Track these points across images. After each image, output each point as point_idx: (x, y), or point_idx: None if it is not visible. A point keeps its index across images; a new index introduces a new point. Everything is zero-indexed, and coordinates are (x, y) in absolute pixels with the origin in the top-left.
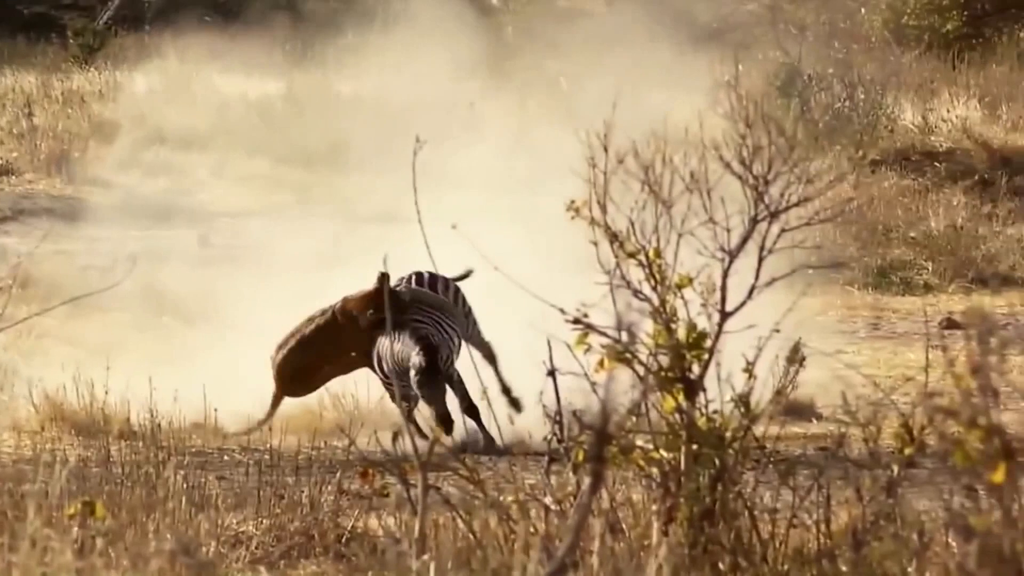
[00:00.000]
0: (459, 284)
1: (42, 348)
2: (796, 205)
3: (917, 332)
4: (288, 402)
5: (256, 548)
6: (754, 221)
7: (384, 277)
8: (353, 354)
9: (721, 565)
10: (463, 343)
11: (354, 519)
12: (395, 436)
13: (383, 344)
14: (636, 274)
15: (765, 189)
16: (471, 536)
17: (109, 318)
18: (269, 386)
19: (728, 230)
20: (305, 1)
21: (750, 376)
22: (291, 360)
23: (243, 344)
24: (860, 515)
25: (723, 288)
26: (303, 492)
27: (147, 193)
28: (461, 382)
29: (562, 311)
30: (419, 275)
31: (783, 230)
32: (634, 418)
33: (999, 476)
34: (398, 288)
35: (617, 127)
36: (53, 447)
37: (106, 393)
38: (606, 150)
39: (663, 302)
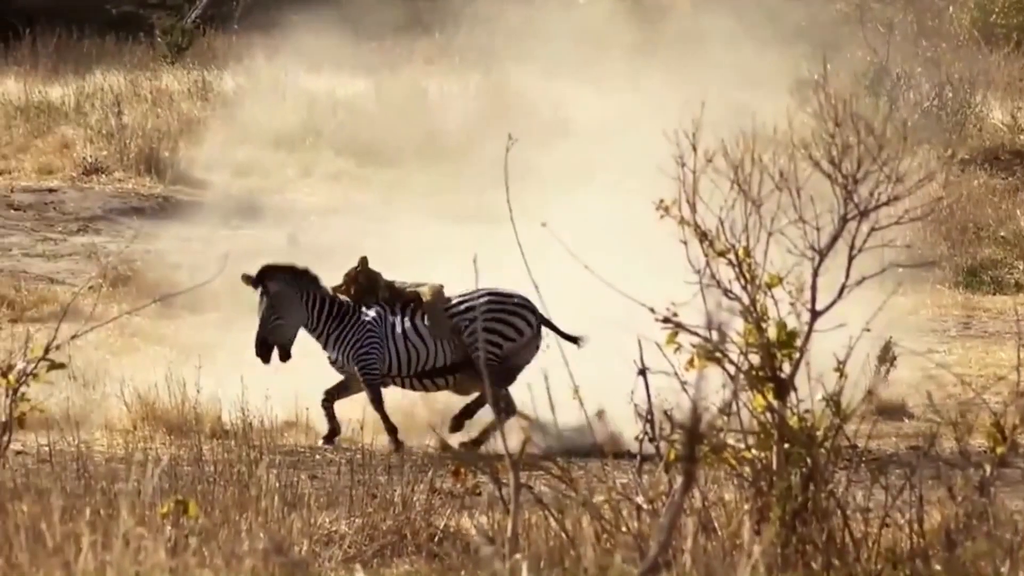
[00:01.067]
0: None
1: (133, 347)
2: (885, 204)
3: (1008, 331)
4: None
5: (349, 547)
6: (844, 220)
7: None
8: None
9: (814, 564)
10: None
11: (446, 518)
12: (486, 435)
13: None
14: (726, 273)
15: (854, 188)
16: (563, 535)
17: (200, 317)
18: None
19: (818, 229)
20: (395, 1)
21: (841, 375)
22: None
23: None
24: (953, 514)
25: (813, 287)
26: (395, 491)
27: (236, 192)
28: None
29: (652, 310)
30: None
31: (873, 229)
32: (725, 417)
33: None
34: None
35: (705, 126)
36: (145, 446)
37: (198, 392)
38: (695, 149)
39: (753, 301)
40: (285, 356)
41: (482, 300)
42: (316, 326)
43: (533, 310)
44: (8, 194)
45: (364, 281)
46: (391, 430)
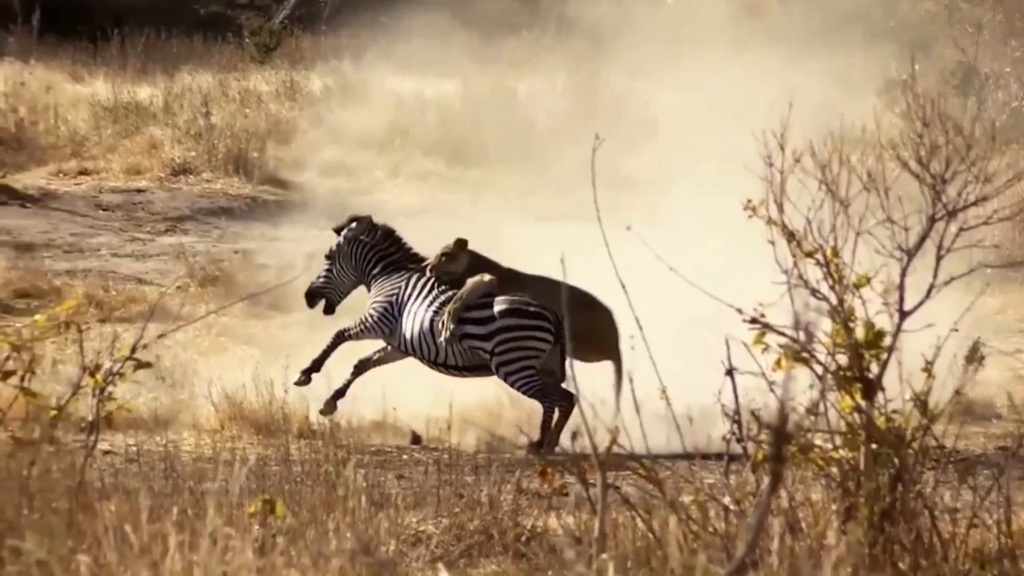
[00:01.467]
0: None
1: (221, 347)
2: (974, 204)
3: None
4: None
5: (436, 547)
6: (932, 220)
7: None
8: None
9: (901, 565)
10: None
11: (533, 518)
12: (574, 435)
13: None
14: (814, 273)
15: (943, 188)
16: (650, 536)
17: (287, 317)
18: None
19: (906, 229)
20: (482, 1)
21: (929, 375)
22: None
23: None
24: None
25: (901, 287)
26: (482, 491)
27: (324, 192)
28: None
29: (739, 311)
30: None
31: (961, 229)
32: (813, 417)
33: None
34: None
35: (793, 126)
36: (233, 446)
37: (285, 392)
38: (782, 149)
39: (841, 301)
40: (327, 310)
41: (499, 325)
42: (368, 287)
43: (551, 317)
44: (97, 194)
45: (450, 260)
46: (312, 369)
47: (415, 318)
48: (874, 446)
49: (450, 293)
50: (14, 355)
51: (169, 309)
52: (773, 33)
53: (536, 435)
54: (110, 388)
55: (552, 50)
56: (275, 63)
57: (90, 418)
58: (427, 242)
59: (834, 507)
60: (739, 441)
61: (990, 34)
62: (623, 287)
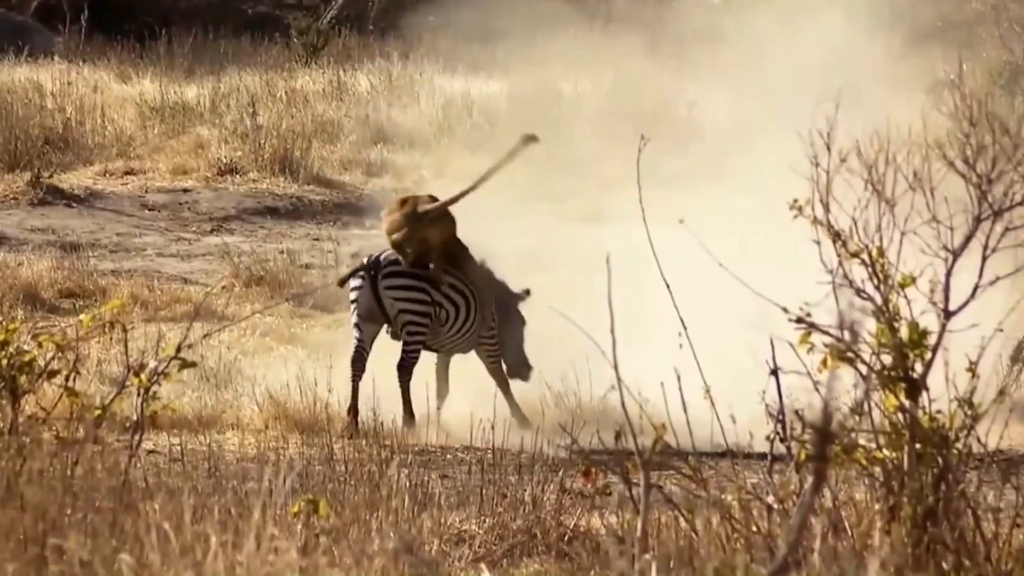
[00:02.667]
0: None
1: (265, 347)
2: (1020, 204)
3: None
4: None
5: (479, 547)
6: (978, 220)
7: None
8: None
9: (944, 564)
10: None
11: (576, 518)
12: (618, 435)
13: None
14: (859, 273)
15: (989, 188)
16: (693, 535)
17: (331, 317)
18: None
19: (951, 229)
20: (530, 0)
21: (973, 375)
22: None
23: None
24: None
25: (946, 287)
26: (526, 491)
27: (369, 192)
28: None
29: (785, 310)
30: None
31: (1007, 229)
32: (857, 417)
33: None
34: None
35: (839, 126)
36: (277, 446)
37: (329, 392)
38: (829, 149)
39: (886, 301)
40: None
41: None
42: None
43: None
44: (143, 194)
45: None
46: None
47: None
48: (918, 446)
49: None
50: (59, 355)
51: (214, 309)
52: (819, 33)
53: (577, 434)
54: (155, 388)
55: (598, 50)
56: (322, 63)
57: (134, 418)
58: (471, 243)
59: (877, 507)
60: (783, 441)
61: None
62: (668, 287)
